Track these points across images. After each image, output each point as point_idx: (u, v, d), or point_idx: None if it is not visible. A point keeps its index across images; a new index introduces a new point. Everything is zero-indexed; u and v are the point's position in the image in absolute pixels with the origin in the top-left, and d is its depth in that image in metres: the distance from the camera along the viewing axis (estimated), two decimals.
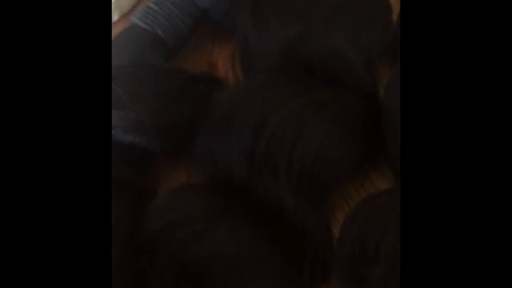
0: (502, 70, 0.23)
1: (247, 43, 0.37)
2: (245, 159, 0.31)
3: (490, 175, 0.22)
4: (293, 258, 0.29)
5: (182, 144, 0.33)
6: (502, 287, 0.21)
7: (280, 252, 0.29)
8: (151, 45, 0.37)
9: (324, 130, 0.31)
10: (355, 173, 0.33)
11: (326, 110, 0.31)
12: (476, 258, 0.21)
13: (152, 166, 0.34)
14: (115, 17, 0.45)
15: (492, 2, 0.24)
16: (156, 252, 0.29)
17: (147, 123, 0.31)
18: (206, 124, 0.32)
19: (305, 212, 0.29)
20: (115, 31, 0.44)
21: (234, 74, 0.37)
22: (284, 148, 0.30)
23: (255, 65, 0.36)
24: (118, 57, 0.35)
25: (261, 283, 0.28)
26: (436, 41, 0.24)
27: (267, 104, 0.32)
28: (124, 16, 0.46)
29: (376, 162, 0.33)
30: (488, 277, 0.21)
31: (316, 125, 0.31)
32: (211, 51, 0.41)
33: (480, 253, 0.21)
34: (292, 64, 0.35)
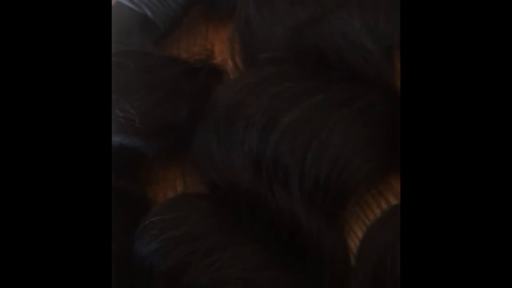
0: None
1: (248, 27, 0.33)
2: (251, 165, 0.27)
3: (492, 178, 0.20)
4: (309, 282, 0.25)
5: (178, 146, 0.29)
6: None
7: (295, 276, 0.25)
8: (139, 28, 0.33)
9: (342, 132, 0.27)
10: (374, 179, 0.29)
11: (344, 109, 0.28)
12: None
13: (143, 172, 0.29)
14: None
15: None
16: (152, 276, 0.25)
17: (138, 122, 0.26)
18: (205, 123, 0.28)
19: (321, 227, 0.26)
20: None
21: (233, 63, 0.33)
22: (296, 152, 0.27)
23: (259, 54, 0.32)
24: None
25: None
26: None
27: (276, 101, 0.28)
28: None
29: (397, 166, 0.29)
30: None
31: (334, 127, 0.27)
32: (205, 34, 0.37)
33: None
34: (302, 54, 0.30)
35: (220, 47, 0.36)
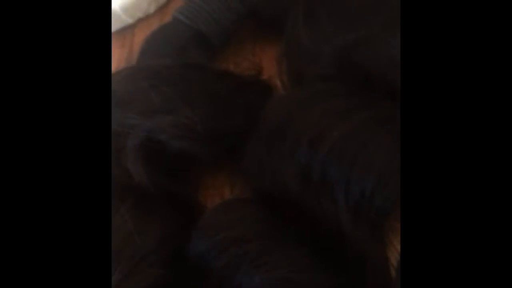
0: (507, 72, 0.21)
1: (297, 47, 0.35)
2: (300, 175, 0.28)
3: (492, 181, 0.20)
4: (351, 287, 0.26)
5: (231, 153, 0.30)
6: None
7: (338, 280, 0.26)
8: (194, 43, 0.35)
9: (388, 148, 0.28)
10: None
11: (389, 126, 0.29)
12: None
13: (195, 178, 0.31)
14: (151, 10, 0.43)
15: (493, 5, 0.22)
16: (205, 274, 0.26)
17: (200, 129, 0.28)
18: (257, 133, 0.30)
19: (365, 238, 0.27)
20: (151, 25, 0.41)
21: (281, 81, 0.35)
22: (343, 166, 0.28)
23: (306, 72, 0.33)
24: (161, 55, 0.32)
25: None
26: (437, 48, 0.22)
27: (325, 116, 0.29)
28: (160, 9, 0.43)
29: None
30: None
31: (380, 143, 0.28)
32: (252, 52, 0.39)
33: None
34: (348, 74, 0.32)
35: (267, 64, 0.38)
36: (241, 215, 0.27)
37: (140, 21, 0.42)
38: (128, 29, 0.42)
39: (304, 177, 0.28)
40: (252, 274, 0.25)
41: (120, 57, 0.40)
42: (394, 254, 0.29)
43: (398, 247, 0.30)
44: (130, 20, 0.42)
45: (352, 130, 0.29)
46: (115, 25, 0.41)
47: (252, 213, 0.28)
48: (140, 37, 0.38)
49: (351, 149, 0.28)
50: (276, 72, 0.36)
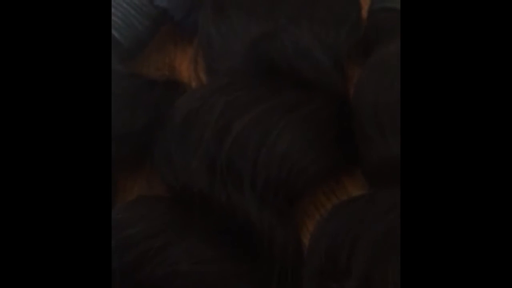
0: (502, 72, 0.22)
1: (209, 44, 0.35)
2: (206, 167, 0.29)
3: (484, 182, 0.21)
4: (260, 276, 0.27)
5: (139, 152, 0.30)
6: None
7: (246, 269, 0.26)
8: None
9: (290, 134, 0.29)
10: (326, 179, 0.31)
11: (292, 113, 0.29)
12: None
13: (115, 178, 0.31)
14: None
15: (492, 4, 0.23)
16: (111, 273, 0.26)
17: None
18: (164, 130, 0.30)
19: (272, 224, 0.27)
20: None
21: (197, 77, 0.35)
22: (248, 155, 0.28)
23: (219, 67, 0.34)
24: None
25: None
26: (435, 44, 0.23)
27: (229, 108, 0.30)
28: None
29: (348, 167, 0.31)
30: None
31: (282, 130, 0.29)
32: (173, 54, 0.39)
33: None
34: (256, 65, 0.33)
35: (187, 65, 0.38)
36: (145, 211, 0.28)
37: None
38: None
39: (211, 169, 0.29)
40: (155, 269, 0.25)
41: None
42: (307, 237, 0.29)
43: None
44: None
45: (255, 120, 0.29)
46: None
47: (157, 209, 0.28)
48: None
49: (254, 138, 0.29)
50: (192, 69, 0.36)
